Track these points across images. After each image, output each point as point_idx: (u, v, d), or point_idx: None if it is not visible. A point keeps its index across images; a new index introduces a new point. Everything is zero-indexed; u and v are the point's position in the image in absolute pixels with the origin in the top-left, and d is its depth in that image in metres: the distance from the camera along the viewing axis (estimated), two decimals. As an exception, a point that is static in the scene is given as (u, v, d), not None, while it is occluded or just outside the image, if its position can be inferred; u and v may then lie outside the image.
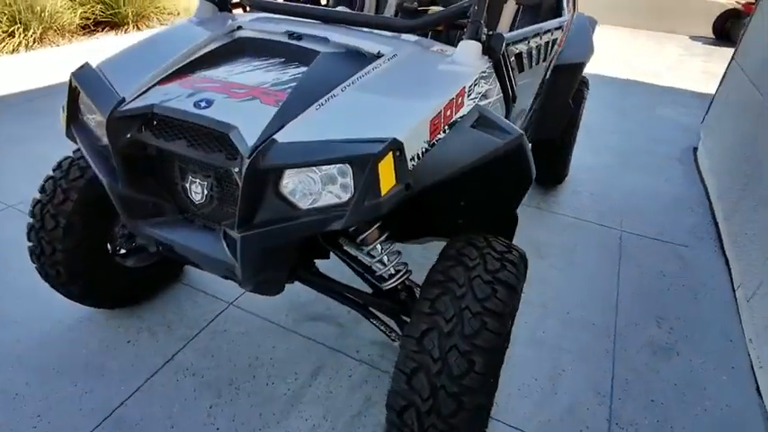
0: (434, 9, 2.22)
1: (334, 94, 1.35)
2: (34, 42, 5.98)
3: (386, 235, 1.55)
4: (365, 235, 1.52)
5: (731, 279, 2.60)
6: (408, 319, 1.66)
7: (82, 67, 1.62)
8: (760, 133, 2.75)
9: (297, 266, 1.62)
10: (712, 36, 8.87)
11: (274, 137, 1.23)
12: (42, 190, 1.87)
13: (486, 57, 1.60)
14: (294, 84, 1.41)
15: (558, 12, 2.61)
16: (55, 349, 2.04)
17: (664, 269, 2.70)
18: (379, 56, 1.57)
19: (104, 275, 2.02)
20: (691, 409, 1.92)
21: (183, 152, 1.33)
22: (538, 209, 3.22)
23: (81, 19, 6.55)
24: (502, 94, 1.75)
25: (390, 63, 1.51)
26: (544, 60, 2.29)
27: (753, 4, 4.20)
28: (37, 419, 1.76)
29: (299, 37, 1.65)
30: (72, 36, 6.49)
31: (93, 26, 6.78)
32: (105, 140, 1.51)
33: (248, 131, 1.24)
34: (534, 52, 2.08)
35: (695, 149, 4.11)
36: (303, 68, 1.50)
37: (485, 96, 1.60)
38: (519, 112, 2.12)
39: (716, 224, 3.07)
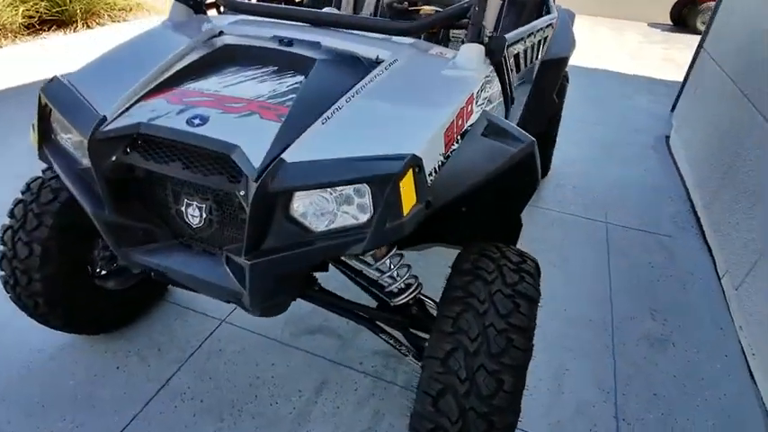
0: (427, 9, 2.16)
1: (340, 106, 1.28)
2: (-29, 44, 5.56)
3: (395, 249, 1.49)
4: (374, 250, 1.46)
5: (715, 268, 2.68)
6: (419, 333, 1.63)
7: (51, 81, 1.48)
8: (736, 124, 2.83)
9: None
10: (670, 23, 9.13)
11: (282, 156, 1.14)
12: (11, 215, 1.72)
13: (488, 60, 1.55)
14: (293, 96, 1.33)
15: (542, 6, 2.59)
16: (38, 381, 1.90)
17: (651, 260, 2.75)
18: (378, 61, 1.50)
19: (85, 300, 1.89)
20: (692, 401, 1.96)
21: (177, 175, 1.24)
22: (524, 204, 3.22)
23: (24, 18, 6.11)
24: (502, 97, 1.71)
25: (392, 69, 1.44)
26: (536, 58, 2.27)
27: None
28: (24, 462, 1.64)
29: (290, 42, 1.56)
30: (15, 36, 6.05)
31: (38, 25, 6.34)
32: (85, 163, 1.40)
33: (251, 151, 1.16)
34: (529, 51, 2.06)
35: (667, 138, 4.21)
36: (300, 78, 1.42)
37: (489, 101, 1.56)
38: (514, 113, 2.09)
39: (695, 213, 3.16)
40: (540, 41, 2.24)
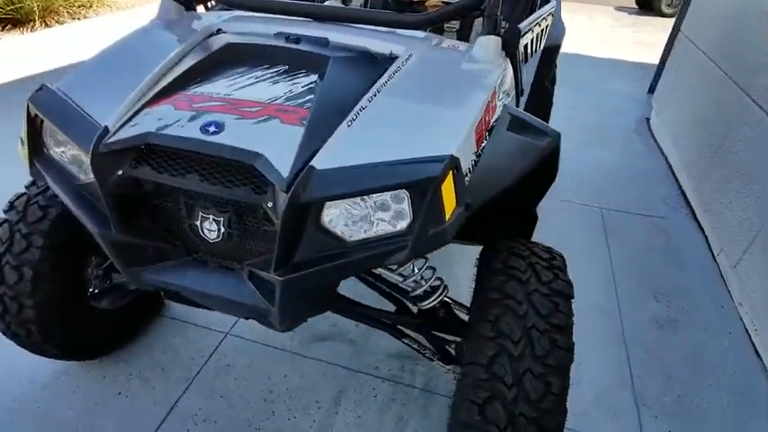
0: (433, 1, 2.08)
1: (363, 107, 1.20)
2: None
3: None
4: None
5: (709, 246, 2.74)
6: (441, 335, 1.59)
7: (40, 90, 1.34)
8: (722, 105, 2.89)
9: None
10: (635, 6, 9.32)
11: (311, 164, 1.07)
12: None
13: (503, 52, 1.50)
14: (310, 97, 1.24)
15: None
16: (31, 415, 1.76)
17: (648, 243, 2.79)
18: (392, 57, 1.43)
19: (80, 323, 1.76)
20: (704, 381, 1.99)
21: (195, 188, 1.14)
22: (518, 193, 3.22)
23: (-26, 17, 5.71)
24: (515, 89, 1.67)
25: (410, 65, 1.37)
26: (540, 47, 2.24)
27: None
28: (29, 504, 1.51)
29: (298, 40, 1.47)
30: (-36, 37, 5.66)
31: (-8, 24, 5.95)
32: (84, 178, 1.28)
33: (277, 159, 1.07)
34: (535, 41, 2.02)
35: (648, 120, 4.29)
36: (314, 77, 1.33)
37: (507, 94, 1.51)
38: (522, 104, 2.06)
39: (683, 193, 3.22)
40: (542, 31, 2.21)
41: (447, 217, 1.05)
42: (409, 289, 1.47)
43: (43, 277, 1.56)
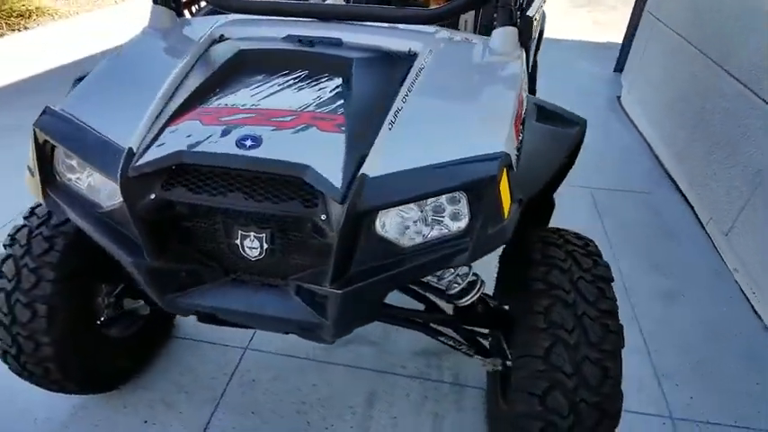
0: None
1: (399, 108, 1.18)
2: None
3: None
4: None
5: (697, 217, 2.86)
6: (477, 329, 1.60)
7: (44, 113, 1.25)
8: (697, 81, 3.01)
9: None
10: (586, -13, 9.56)
11: (363, 171, 1.04)
12: (0, 274, 1.46)
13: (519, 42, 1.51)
14: (341, 101, 1.21)
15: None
16: (54, 456, 1.67)
17: (639, 218, 2.89)
18: (411, 54, 1.40)
19: (97, 355, 1.67)
20: (716, 345, 2.09)
21: (238, 207, 1.09)
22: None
23: None
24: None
25: (432, 62, 1.35)
26: (537, 34, 2.26)
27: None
28: None
29: (312, 42, 1.42)
30: None
31: None
32: (106, 205, 1.21)
33: (325, 169, 1.04)
34: (537, 27, 2.04)
35: (618, 98, 4.43)
36: (338, 80, 1.30)
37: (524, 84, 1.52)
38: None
39: (663, 167, 3.35)
40: (540, 17, 2.23)
41: (505, 215, 1.05)
42: (443, 287, 1.47)
43: (58, 312, 1.47)
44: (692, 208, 2.92)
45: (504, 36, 1.44)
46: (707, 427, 1.80)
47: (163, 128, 1.17)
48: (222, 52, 1.41)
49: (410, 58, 1.38)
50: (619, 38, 5.13)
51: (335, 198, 1.01)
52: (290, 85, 1.29)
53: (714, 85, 2.78)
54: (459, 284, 1.44)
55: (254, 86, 1.29)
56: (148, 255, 1.16)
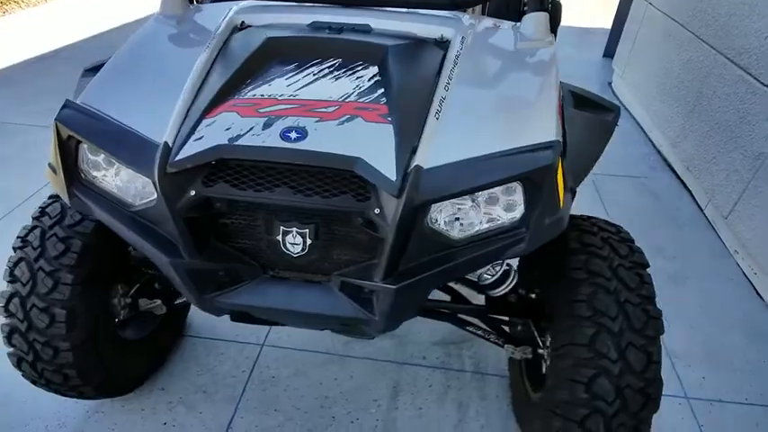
0: None
1: (443, 97, 1.15)
2: None
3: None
4: None
5: (695, 200, 2.93)
6: (512, 319, 1.59)
7: (66, 107, 1.17)
8: (694, 66, 3.05)
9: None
10: (566, -28, 9.61)
11: (417, 163, 1.01)
12: (13, 278, 1.39)
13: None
14: (381, 90, 1.18)
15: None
16: (73, 463, 1.61)
17: (640, 202, 2.94)
18: (443, 41, 1.37)
19: (116, 358, 1.61)
20: (722, 324, 2.16)
21: (286, 202, 1.05)
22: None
23: None
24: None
25: (467, 49, 1.32)
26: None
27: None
28: None
29: (340, 29, 1.38)
30: None
31: None
32: (139, 203, 1.15)
33: (378, 161, 1.01)
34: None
35: (610, 84, 4.48)
36: (374, 68, 1.26)
37: (553, 72, 1.51)
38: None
39: (658, 152, 3.42)
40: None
41: (561, 204, 1.04)
42: (476, 279, 1.46)
43: (77, 316, 1.40)
44: (690, 191, 2.99)
45: (537, 21, 1.42)
46: (720, 406, 1.85)
47: (198, 121, 1.11)
48: (248, 40, 1.34)
49: (442, 44, 1.35)
50: (604, 23, 5.18)
51: (391, 191, 0.98)
52: (326, 75, 1.24)
53: (712, 70, 2.83)
54: (493, 275, 1.43)
55: (288, 75, 1.23)
56: (187, 254, 1.11)
